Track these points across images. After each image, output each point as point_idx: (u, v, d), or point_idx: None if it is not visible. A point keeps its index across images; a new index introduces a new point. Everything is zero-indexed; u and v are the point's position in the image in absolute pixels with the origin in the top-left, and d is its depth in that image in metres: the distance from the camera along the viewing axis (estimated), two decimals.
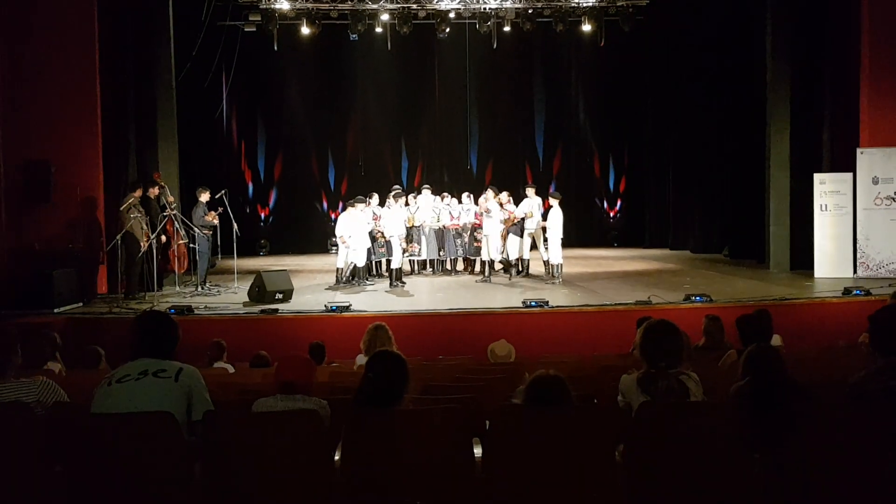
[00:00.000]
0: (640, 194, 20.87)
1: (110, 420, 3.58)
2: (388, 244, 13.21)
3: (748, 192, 15.47)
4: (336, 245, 13.40)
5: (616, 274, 14.31)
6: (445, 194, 14.57)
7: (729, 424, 3.70)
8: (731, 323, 6.13)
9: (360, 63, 19.97)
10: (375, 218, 13.23)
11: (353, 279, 12.79)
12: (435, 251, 14.10)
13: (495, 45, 18.75)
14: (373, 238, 13.01)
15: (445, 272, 14.23)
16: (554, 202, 12.80)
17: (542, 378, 3.69)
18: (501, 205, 13.93)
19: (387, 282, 12.97)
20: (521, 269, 13.76)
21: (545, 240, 13.05)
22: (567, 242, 14.10)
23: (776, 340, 6.58)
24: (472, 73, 20.03)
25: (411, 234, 13.76)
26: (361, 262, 12.73)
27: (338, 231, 12.83)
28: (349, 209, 12.80)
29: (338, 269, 12.98)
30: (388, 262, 13.31)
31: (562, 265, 12.80)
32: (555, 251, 12.71)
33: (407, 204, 13.89)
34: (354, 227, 12.57)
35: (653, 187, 20.16)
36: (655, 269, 15.22)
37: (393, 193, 13.26)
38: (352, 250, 12.58)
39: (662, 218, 19.80)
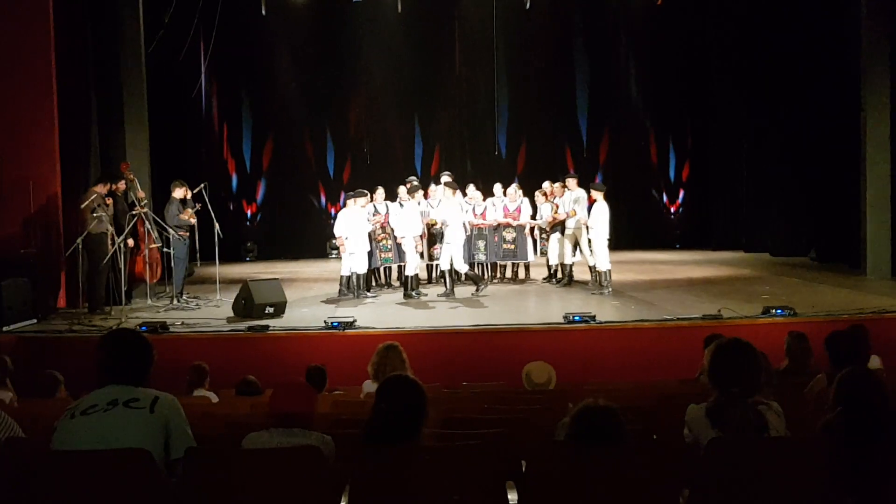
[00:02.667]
0: (707, 185, 20.79)
1: (75, 458, 3.63)
2: (397, 247, 13.26)
3: (839, 182, 15.36)
4: (336, 249, 13.45)
5: (678, 282, 14.28)
6: (470, 186, 14.60)
7: (817, 464, 3.70)
8: (820, 342, 6.10)
9: (365, 28, 20.05)
10: (377, 216, 13.26)
11: (357, 289, 12.81)
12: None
13: (528, 5, 18.79)
14: (370, 239, 13.03)
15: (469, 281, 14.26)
16: (598, 195, 12.77)
17: (590, 409, 3.71)
18: (546, 196, 14.07)
19: (395, 293, 12.99)
20: (562, 276, 13.78)
21: (589, 241, 13.03)
22: (618, 244, 14.11)
23: (875, 363, 6.54)
24: (499, 39, 20.04)
25: (436, 235, 13.75)
26: (362, 269, 12.77)
27: (337, 231, 12.91)
28: (349, 204, 12.86)
29: (342, 277, 13.04)
30: (400, 268, 13.36)
31: (610, 272, 12.77)
32: (601, 255, 12.68)
33: (426, 197, 13.92)
34: (354, 226, 12.62)
35: (723, 176, 20.06)
36: (726, 275, 15.16)
37: (408, 187, 13.29)
38: (349, 254, 12.63)
39: (735, 213, 19.69)
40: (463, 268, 12.76)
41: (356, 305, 12.08)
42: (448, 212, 12.76)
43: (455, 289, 12.70)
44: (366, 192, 13.12)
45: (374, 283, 13.45)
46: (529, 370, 6.92)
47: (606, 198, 12.83)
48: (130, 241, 11.86)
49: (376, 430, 3.80)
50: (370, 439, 3.80)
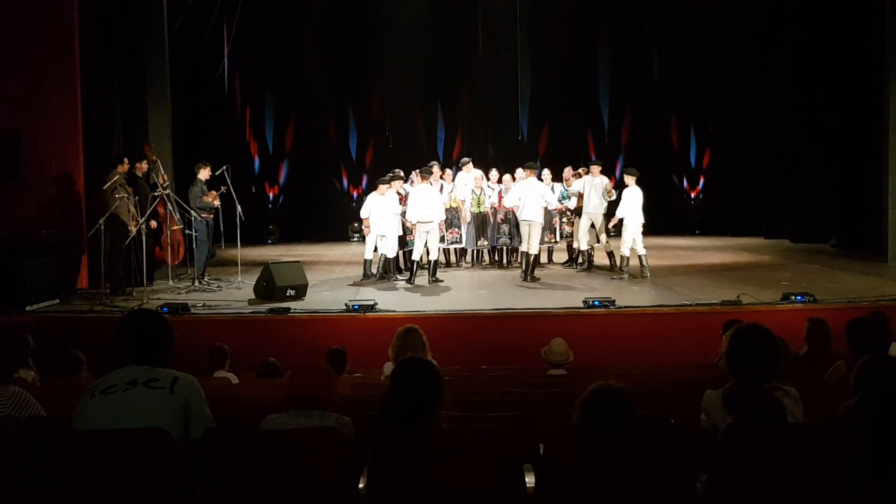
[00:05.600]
0: (727, 171, 20.64)
1: (95, 437, 3.66)
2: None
3: (861, 168, 15.24)
4: (359, 232, 13.47)
5: (698, 268, 14.21)
6: (493, 172, 14.54)
7: (835, 451, 3.68)
8: (840, 328, 6.06)
9: (388, 10, 20.05)
10: (402, 198, 13.26)
11: (384, 273, 12.85)
12: (473, 240, 14.10)
13: None
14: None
15: (494, 264, 14.32)
16: (630, 180, 12.70)
17: (600, 391, 3.66)
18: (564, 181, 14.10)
19: (421, 276, 12.99)
20: (583, 261, 13.76)
21: (615, 226, 13.00)
22: None
23: (895, 350, 6.49)
24: (522, 23, 19.96)
25: (450, 218, 13.76)
26: (392, 253, 12.79)
27: (362, 213, 12.93)
28: (380, 188, 12.84)
29: (365, 261, 13.05)
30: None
31: (629, 258, 12.71)
32: (626, 240, 12.55)
33: (444, 178, 13.90)
34: (384, 209, 12.62)
35: (744, 162, 19.92)
36: (746, 261, 15.09)
37: (421, 169, 13.28)
38: (380, 238, 12.64)
39: (755, 200, 19.58)
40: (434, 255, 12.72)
41: (384, 289, 12.10)
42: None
43: (481, 270, 12.60)
44: (402, 174, 13.11)
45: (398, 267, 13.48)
46: (550, 346, 7.10)
47: (637, 183, 12.73)
48: (153, 223, 11.91)
49: (391, 412, 3.78)
50: (385, 421, 3.79)
